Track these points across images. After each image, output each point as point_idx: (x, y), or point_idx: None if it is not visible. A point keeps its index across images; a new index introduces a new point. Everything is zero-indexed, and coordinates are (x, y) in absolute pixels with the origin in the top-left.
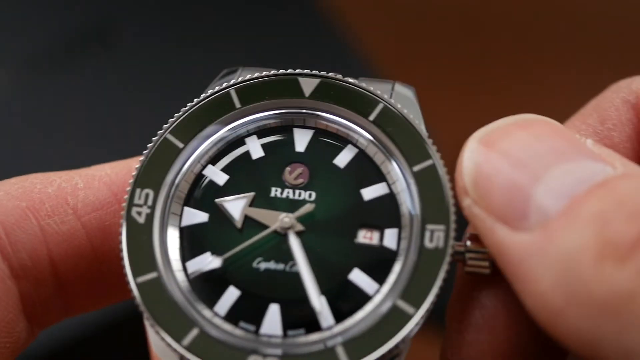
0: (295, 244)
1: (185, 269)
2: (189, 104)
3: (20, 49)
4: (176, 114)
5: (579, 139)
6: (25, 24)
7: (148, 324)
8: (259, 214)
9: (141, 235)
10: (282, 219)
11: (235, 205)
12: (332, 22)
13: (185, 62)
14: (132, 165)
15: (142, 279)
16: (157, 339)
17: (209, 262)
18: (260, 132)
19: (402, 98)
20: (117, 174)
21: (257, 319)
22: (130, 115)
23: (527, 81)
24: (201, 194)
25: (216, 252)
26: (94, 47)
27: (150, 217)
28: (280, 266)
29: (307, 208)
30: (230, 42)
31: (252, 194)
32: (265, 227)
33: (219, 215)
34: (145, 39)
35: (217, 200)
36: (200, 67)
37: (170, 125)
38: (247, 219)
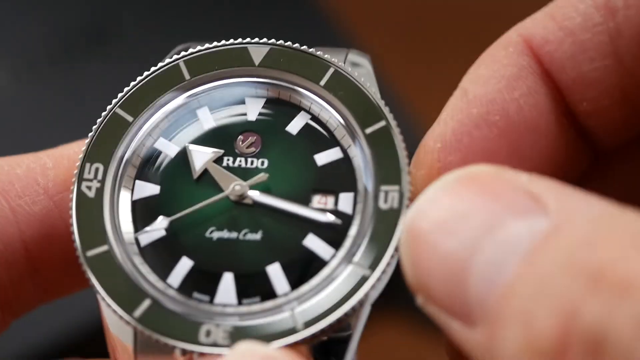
0: None
1: (137, 241)
2: (138, 78)
3: (20, 49)
4: (126, 88)
5: (511, 184)
6: (26, 24)
7: (99, 298)
8: (218, 172)
9: (91, 209)
10: (233, 187)
11: (201, 156)
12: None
13: None
14: None
15: (92, 252)
16: (109, 314)
17: (158, 223)
18: (212, 103)
19: (356, 66)
20: None
21: (211, 288)
22: None
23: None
24: (153, 166)
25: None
26: (94, 46)
27: (100, 191)
28: (234, 235)
29: (261, 177)
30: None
31: (221, 151)
32: (218, 191)
33: (170, 187)
34: (145, 38)
35: (187, 143)
36: None
37: (120, 100)
38: (204, 175)
